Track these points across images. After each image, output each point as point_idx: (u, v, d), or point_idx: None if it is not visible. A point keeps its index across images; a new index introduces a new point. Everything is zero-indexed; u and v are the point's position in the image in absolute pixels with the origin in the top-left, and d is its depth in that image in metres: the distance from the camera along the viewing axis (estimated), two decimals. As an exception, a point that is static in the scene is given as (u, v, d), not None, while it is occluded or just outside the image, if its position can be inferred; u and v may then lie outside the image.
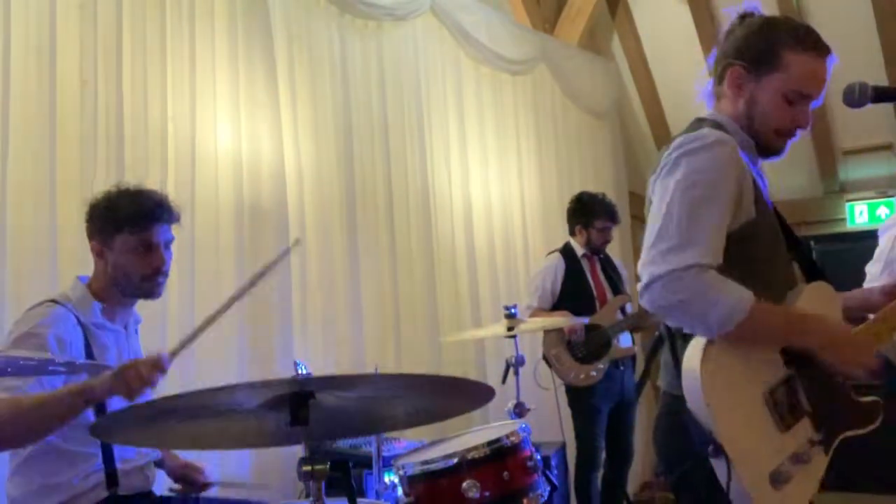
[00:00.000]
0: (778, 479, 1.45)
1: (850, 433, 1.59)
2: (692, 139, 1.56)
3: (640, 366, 4.34)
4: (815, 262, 1.75)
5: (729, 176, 1.53)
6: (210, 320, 1.90)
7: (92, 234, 2.09)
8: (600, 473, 3.95)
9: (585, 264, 4.00)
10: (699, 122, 1.67)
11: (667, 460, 1.65)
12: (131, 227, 2.05)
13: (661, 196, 1.54)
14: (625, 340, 3.95)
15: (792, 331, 1.53)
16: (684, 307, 1.45)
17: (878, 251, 2.74)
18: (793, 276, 1.68)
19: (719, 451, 1.42)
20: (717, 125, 1.63)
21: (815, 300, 1.62)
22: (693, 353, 1.48)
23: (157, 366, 1.83)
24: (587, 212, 3.97)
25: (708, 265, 1.45)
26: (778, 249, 1.65)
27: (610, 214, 3.97)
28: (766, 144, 1.68)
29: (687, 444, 1.49)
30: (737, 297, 1.44)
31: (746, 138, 1.67)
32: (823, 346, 1.53)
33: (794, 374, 1.53)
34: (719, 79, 1.71)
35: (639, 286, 1.51)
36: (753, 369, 1.50)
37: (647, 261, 1.49)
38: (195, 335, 1.89)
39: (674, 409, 1.53)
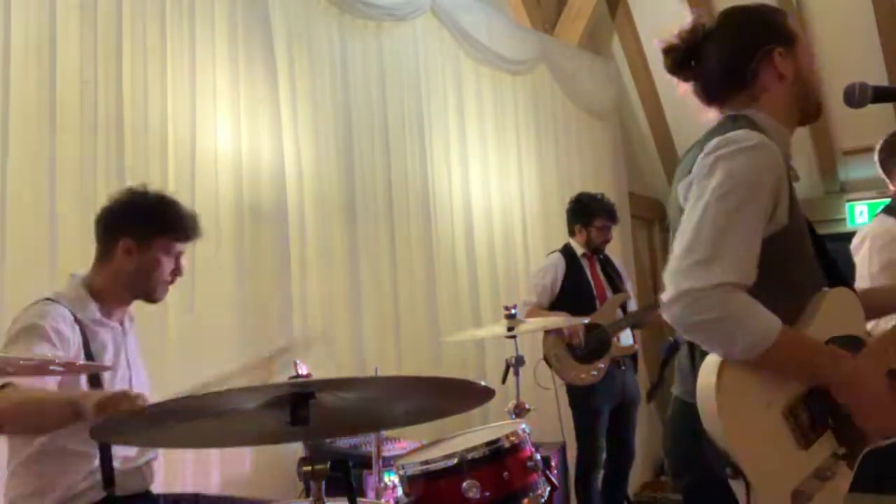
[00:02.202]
0: (801, 499, 1.40)
1: (876, 444, 1.50)
2: (731, 141, 1.47)
3: (642, 365, 4.35)
4: (837, 265, 1.69)
5: (767, 183, 1.45)
6: (210, 387, 1.90)
7: (124, 230, 2.08)
8: (601, 474, 3.95)
9: (585, 264, 4.01)
10: (734, 121, 1.58)
11: (677, 466, 1.60)
12: (175, 233, 2.10)
13: (694, 202, 1.46)
14: (625, 339, 3.95)
15: (817, 369, 1.45)
16: (708, 329, 1.38)
17: (857, 272, 2.63)
18: (819, 278, 1.61)
19: (738, 473, 1.36)
20: (754, 124, 1.55)
21: (838, 307, 1.57)
22: (709, 370, 1.41)
23: (136, 404, 1.80)
24: (586, 211, 3.99)
25: (737, 284, 1.37)
26: (806, 253, 1.59)
27: (609, 214, 3.99)
28: (816, 110, 1.68)
29: (698, 450, 1.43)
30: (764, 325, 1.37)
31: (784, 133, 1.62)
32: (845, 393, 1.45)
33: (814, 387, 1.46)
34: (751, 78, 1.61)
35: (663, 296, 1.42)
36: (772, 385, 1.43)
37: (673, 271, 1.41)
38: (190, 395, 1.87)
39: (686, 415, 1.47)
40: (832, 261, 1.69)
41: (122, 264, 2.09)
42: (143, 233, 2.08)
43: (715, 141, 1.50)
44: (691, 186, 1.50)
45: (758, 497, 1.36)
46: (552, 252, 4.13)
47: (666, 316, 1.42)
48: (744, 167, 1.44)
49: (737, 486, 1.39)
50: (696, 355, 1.50)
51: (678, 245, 1.44)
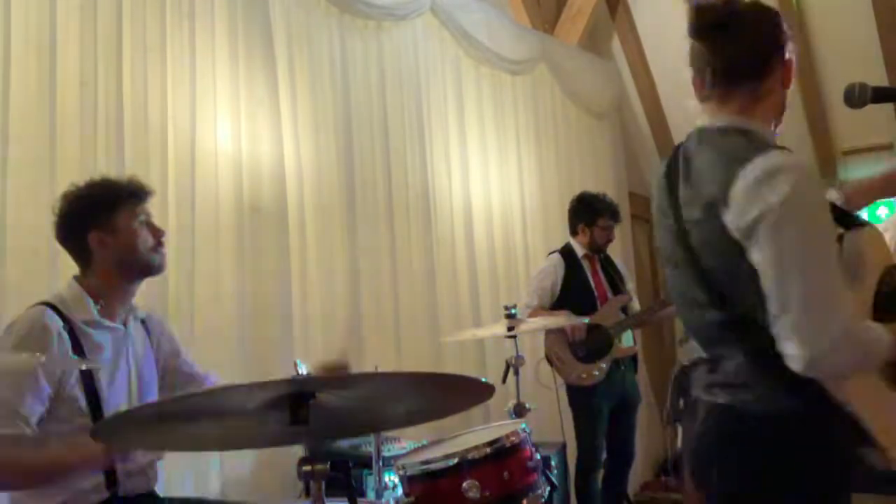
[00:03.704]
0: None
1: None
2: (785, 169, 1.42)
3: (641, 365, 4.34)
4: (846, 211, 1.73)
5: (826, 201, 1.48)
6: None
7: (88, 226, 2.06)
8: (600, 473, 3.95)
9: (586, 264, 3.99)
10: (747, 138, 1.53)
11: (720, 473, 1.57)
12: (129, 202, 2.08)
13: (778, 242, 1.41)
14: (626, 340, 3.95)
15: None
16: (863, 364, 1.44)
17: None
18: None
19: (871, 443, 1.43)
20: (766, 142, 1.53)
21: (874, 243, 1.59)
22: None
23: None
24: (590, 211, 3.97)
25: (855, 314, 1.44)
26: None
27: (612, 213, 3.98)
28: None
29: (750, 459, 1.47)
30: (885, 340, 1.43)
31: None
32: None
33: None
34: (763, 75, 1.57)
35: (792, 349, 1.40)
36: None
37: (804, 324, 1.39)
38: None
39: (740, 421, 1.50)
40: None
41: (103, 257, 2.06)
42: (102, 216, 2.06)
43: (764, 167, 1.44)
44: (753, 225, 1.44)
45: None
46: (552, 252, 4.11)
47: (817, 371, 1.41)
48: (814, 196, 1.45)
49: (872, 454, 1.45)
50: (769, 359, 1.47)
51: (786, 297, 1.40)
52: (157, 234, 2.13)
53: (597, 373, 3.80)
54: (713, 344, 1.60)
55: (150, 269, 2.14)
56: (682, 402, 1.76)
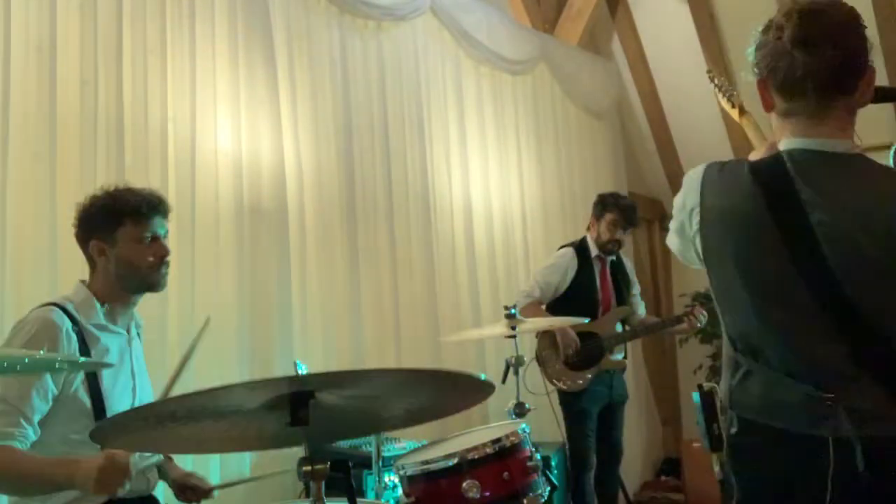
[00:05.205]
0: None
1: None
2: None
3: (641, 366, 4.33)
4: None
5: None
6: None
7: (91, 234, 2.08)
8: (593, 472, 3.94)
9: (596, 266, 3.92)
10: (877, 164, 1.51)
11: None
12: (134, 217, 2.07)
13: None
14: (617, 351, 3.93)
15: None
16: None
17: None
18: None
19: None
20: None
21: None
22: None
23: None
24: (601, 204, 3.90)
25: None
26: None
27: (621, 212, 3.85)
28: None
29: None
30: None
31: None
32: None
33: None
34: (852, 94, 1.50)
35: None
36: None
37: None
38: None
39: None
40: None
41: (103, 266, 2.08)
42: (103, 230, 2.07)
43: None
44: None
45: None
46: (565, 245, 4.02)
47: None
48: None
49: None
50: None
51: None
52: (159, 253, 2.11)
53: (580, 381, 3.79)
54: (836, 377, 1.44)
55: (146, 286, 2.13)
56: (716, 428, 1.66)
